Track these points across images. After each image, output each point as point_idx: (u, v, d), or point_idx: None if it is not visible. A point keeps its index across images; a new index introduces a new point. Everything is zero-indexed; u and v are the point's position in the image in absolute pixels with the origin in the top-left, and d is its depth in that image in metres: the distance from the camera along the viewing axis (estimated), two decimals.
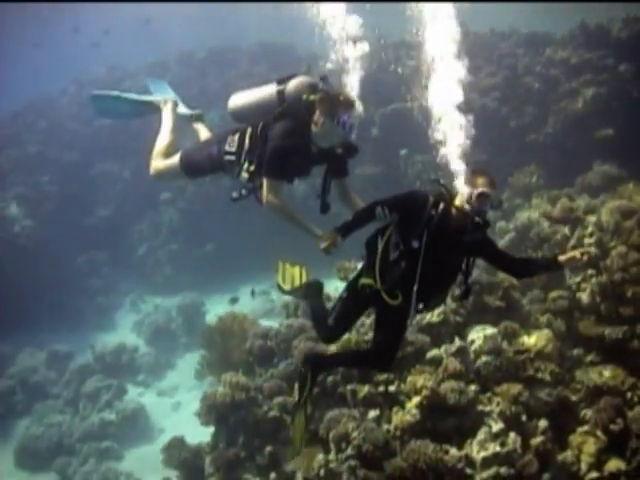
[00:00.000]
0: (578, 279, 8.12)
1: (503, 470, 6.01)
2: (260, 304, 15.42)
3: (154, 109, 5.37)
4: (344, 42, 4.56)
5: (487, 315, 7.59)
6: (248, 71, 20.63)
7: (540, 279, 8.32)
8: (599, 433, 6.27)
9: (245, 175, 4.45)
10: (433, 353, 6.88)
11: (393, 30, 11.72)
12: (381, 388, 6.78)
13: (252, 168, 4.42)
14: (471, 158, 4.14)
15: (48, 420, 12.56)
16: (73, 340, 15.29)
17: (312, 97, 4.31)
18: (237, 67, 21.24)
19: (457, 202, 4.00)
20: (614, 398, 6.42)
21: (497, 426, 6.28)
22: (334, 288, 9.28)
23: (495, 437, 6.22)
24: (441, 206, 4.01)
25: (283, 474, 7.00)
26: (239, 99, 4.63)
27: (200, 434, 8.32)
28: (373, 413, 6.56)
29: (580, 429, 6.45)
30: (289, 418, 7.27)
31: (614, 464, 6.05)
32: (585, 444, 6.28)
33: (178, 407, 12.89)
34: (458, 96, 4.40)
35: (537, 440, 6.27)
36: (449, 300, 7.23)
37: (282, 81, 4.51)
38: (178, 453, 8.01)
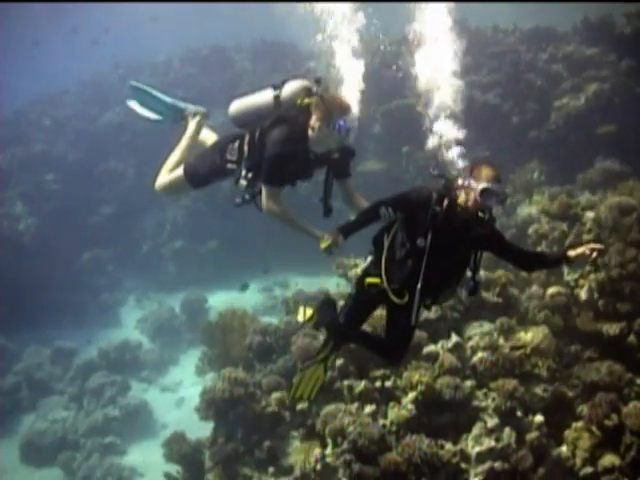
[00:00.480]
0: (576, 275, 8.14)
1: (497, 465, 6.07)
2: (263, 300, 15.55)
3: (181, 118, 5.21)
4: (345, 39, 4.61)
5: (485, 311, 7.64)
6: (250, 69, 20.73)
7: (539, 275, 8.35)
8: (594, 428, 6.30)
9: (243, 182, 4.48)
10: (430, 349, 6.92)
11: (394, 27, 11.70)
12: (378, 383, 6.85)
13: (250, 175, 4.45)
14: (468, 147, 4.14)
15: (53, 416, 12.71)
16: (78, 337, 15.40)
17: (307, 101, 4.32)
18: (240, 65, 21.30)
19: (461, 198, 3.92)
20: (608, 394, 6.44)
21: (492, 421, 6.34)
22: (336, 284, 9.38)
23: (490, 432, 6.27)
24: (445, 202, 3.94)
25: (281, 468, 7.07)
26: (238, 105, 4.63)
27: (203, 429, 8.39)
28: (369, 408, 6.61)
29: (575, 424, 6.48)
30: (287, 413, 7.38)
31: (608, 459, 6.07)
32: (580, 439, 6.31)
33: (181, 403, 12.97)
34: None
35: (532, 435, 6.32)
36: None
37: (278, 86, 4.51)
38: (178, 448, 8.09)
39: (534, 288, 8.36)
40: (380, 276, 4.15)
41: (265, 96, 4.51)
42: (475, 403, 6.54)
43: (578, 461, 6.22)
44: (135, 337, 15.38)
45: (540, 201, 9.93)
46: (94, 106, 21.85)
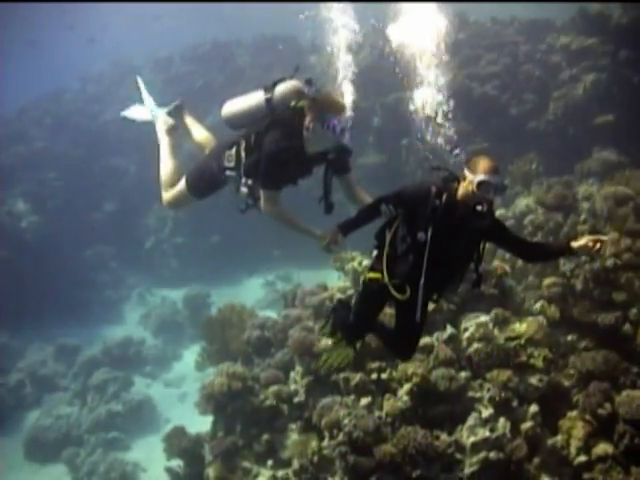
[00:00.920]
0: (572, 266, 8.17)
1: (492, 455, 6.13)
2: (265, 294, 15.63)
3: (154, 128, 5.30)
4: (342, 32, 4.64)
5: (481, 303, 7.66)
6: (251, 64, 20.76)
7: (535, 266, 8.39)
8: (588, 417, 6.34)
9: (244, 190, 4.48)
10: (425, 341, 6.95)
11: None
12: (373, 376, 6.90)
13: (250, 182, 4.45)
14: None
15: (57, 412, 12.81)
16: (81, 333, 15.52)
17: (300, 103, 4.29)
18: (240, 60, 21.34)
19: (460, 191, 3.91)
20: (602, 383, 6.48)
21: (487, 412, 6.40)
22: (337, 278, 9.41)
23: (485, 423, 6.33)
24: (445, 196, 3.92)
25: (280, 461, 7.15)
26: (230, 108, 4.61)
27: (206, 424, 8.41)
28: (365, 400, 6.67)
29: (570, 414, 6.52)
30: (285, 407, 7.45)
31: (602, 448, 6.11)
32: (574, 428, 6.36)
33: (184, 398, 13.06)
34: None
35: (527, 425, 6.37)
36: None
37: (269, 88, 4.46)
38: (178, 442, 8.16)
39: (530, 279, 8.40)
40: (381, 271, 4.15)
41: (256, 98, 4.46)
42: (470, 394, 6.60)
43: (572, 450, 6.27)
44: (138, 333, 15.49)
45: (538, 192, 9.93)
46: (95, 103, 21.95)
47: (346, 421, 6.29)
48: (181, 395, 13.19)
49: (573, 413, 6.51)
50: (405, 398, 6.55)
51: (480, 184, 3.78)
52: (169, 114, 5.30)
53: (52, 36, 30.90)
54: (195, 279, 16.77)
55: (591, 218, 8.40)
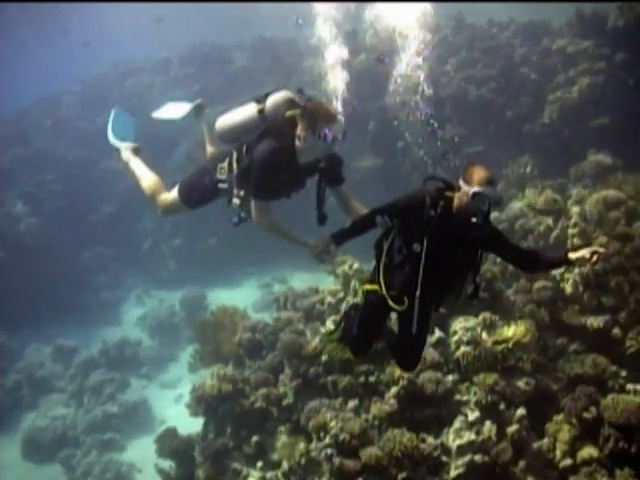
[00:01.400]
0: (562, 269, 8.21)
1: (478, 457, 6.17)
2: (261, 296, 15.67)
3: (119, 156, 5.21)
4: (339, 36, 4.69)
5: (471, 307, 7.69)
6: (249, 66, 20.80)
7: None
8: (573, 421, 6.38)
9: (236, 202, 4.44)
10: None
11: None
12: (361, 379, 6.95)
13: (242, 193, 4.41)
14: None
15: (53, 413, 12.85)
16: (79, 335, 15.54)
17: (291, 113, 4.26)
18: (239, 62, 21.39)
19: (455, 201, 3.86)
20: (588, 387, 6.52)
21: (473, 415, 6.44)
22: (332, 280, 9.45)
23: (471, 426, 6.37)
24: (440, 206, 3.89)
25: (269, 463, 7.21)
26: (223, 122, 4.61)
27: (200, 425, 8.47)
28: (353, 403, 6.72)
29: (556, 417, 6.56)
30: (275, 409, 7.50)
31: (587, 451, 6.16)
32: (560, 432, 6.40)
33: (180, 399, 13.03)
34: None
35: (512, 428, 6.41)
36: None
37: (260, 99, 4.46)
38: (170, 443, 8.22)
39: (521, 282, 8.43)
40: (378, 282, 4.14)
41: (249, 110, 4.47)
42: (457, 397, 6.64)
43: (558, 453, 6.33)
44: (135, 334, 15.49)
45: (529, 196, 9.97)
46: (95, 105, 22.00)
47: (333, 424, 6.34)
48: (177, 396, 13.18)
49: (559, 417, 6.55)
50: (392, 401, 6.60)
51: (475, 196, 3.73)
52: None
53: (45, 38, 30.96)
54: (192, 281, 16.79)
55: (581, 222, 8.42)
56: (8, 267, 15.83)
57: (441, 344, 7.06)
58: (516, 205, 10.75)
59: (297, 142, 4.21)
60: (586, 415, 6.29)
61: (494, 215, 10.45)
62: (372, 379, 6.90)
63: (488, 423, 6.36)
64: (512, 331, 7.07)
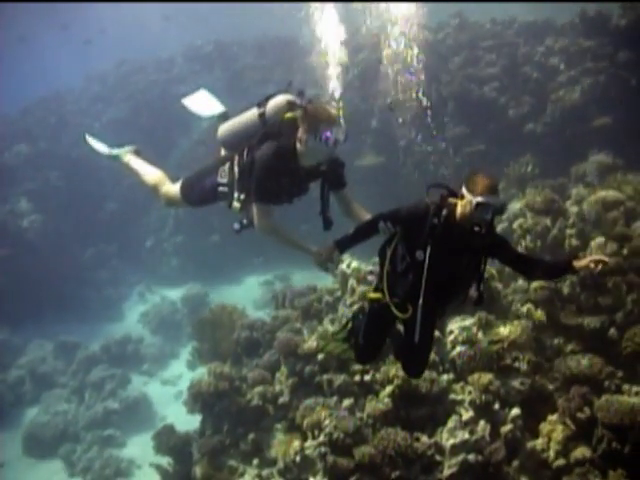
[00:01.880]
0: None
1: (471, 457, 6.18)
2: (263, 294, 15.72)
3: (120, 163, 5.28)
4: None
5: (467, 306, 7.70)
6: (253, 64, 20.84)
7: None
8: (567, 421, 6.39)
9: (236, 205, 4.38)
10: None
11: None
12: (357, 377, 6.97)
13: (242, 197, 4.35)
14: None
15: (54, 408, 12.96)
16: (81, 331, 15.65)
17: (291, 115, 4.22)
18: (242, 61, 21.43)
19: (458, 209, 3.82)
20: (582, 387, 6.52)
21: (467, 414, 6.45)
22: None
23: (465, 425, 6.38)
24: (443, 214, 3.86)
25: (265, 460, 7.24)
26: (225, 129, 4.56)
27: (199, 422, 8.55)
28: (348, 402, 6.74)
29: (551, 417, 6.57)
30: (271, 407, 7.53)
31: (580, 451, 6.15)
32: (554, 432, 6.40)
33: (180, 396, 13.08)
34: None
35: (506, 428, 6.42)
36: None
37: (262, 103, 4.41)
38: (167, 440, 8.27)
39: (519, 282, 8.43)
40: (382, 290, 4.14)
41: (251, 115, 4.43)
42: (452, 396, 6.66)
43: (552, 453, 6.31)
44: (137, 331, 15.63)
45: (527, 195, 9.95)
46: (99, 103, 22.11)
47: (327, 422, 6.37)
48: (177, 393, 13.25)
49: (554, 417, 6.56)
50: (387, 400, 6.62)
51: (478, 205, 3.69)
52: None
53: (46, 35, 30.97)
54: (195, 278, 16.89)
55: (579, 222, 8.42)
56: (11, 263, 15.97)
57: (437, 343, 7.06)
58: (516, 205, 10.75)
59: (298, 145, 4.14)
60: (580, 415, 6.29)
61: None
62: (367, 378, 6.92)
63: (482, 423, 6.37)
64: (508, 331, 7.08)
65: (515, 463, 6.33)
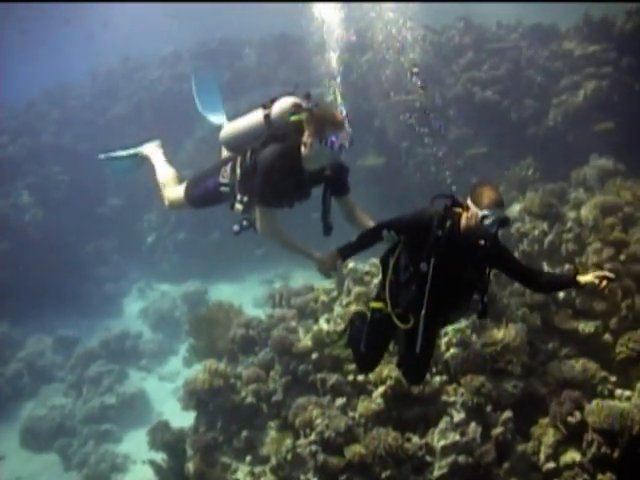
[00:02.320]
0: None
1: (461, 458, 6.21)
2: (263, 292, 15.72)
3: (142, 159, 5.22)
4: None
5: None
6: (258, 62, 20.87)
7: None
8: (558, 425, 6.41)
9: (239, 207, 4.32)
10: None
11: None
12: (350, 377, 7.01)
13: (245, 199, 4.29)
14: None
15: (51, 402, 12.98)
16: (81, 326, 15.70)
17: (297, 117, 4.13)
18: (248, 58, 21.45)
19: (463, 221, 3.82)
20: (574, 391, 6.55)
21: (459, 416, 6.48)
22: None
23: (456, 427, 6.41)
24: (447, 225, 3.85)
25: (258, 458, 7.28)
26: (228, 130, 4.52)
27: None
28: (340, 401, 6.78)
29: (542, 420, 6.59)
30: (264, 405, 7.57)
31: (570, 455, 6.19)
32: (545, 435, 6.44)
33: (178, 392, 13.14)
34: None
35: (497, 430, 6.44)
36: None
37: (267, 105, 4.34)
38: (162, 436, 8.30)
39: (515, 285, 8.45)
40: (384, 300, 4.13)
41: (256, 117, 4.36)
42: (444, 398, 6.69)
43: (542, 456, 6.35)
44: (137, 327, 15.64)
45: (526, 199, 9.97)
46: (103, 98, 22.15)
47: (319, 421, 6.40)
48: (175, 389, 13.23)
49: (545, 420, 6.58)
50: (379, 400, 6.65)
51: (484, 219, 3.69)
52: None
53: (49, 29, 30.98)
54: (196, 275, 16.90)
55: (576, 227, 8.43)
56: (12, 257, 16.00)
57: None
58: (515, 208, 10.76)
59: (303, 149, 4.07)
60: (571, 419, 6.32)
61: None
62: (360, 378, 6.95)
63: (473, 424, 6.40)
64: (502, 334, 7.10)
65: (506, 465, 6.37)
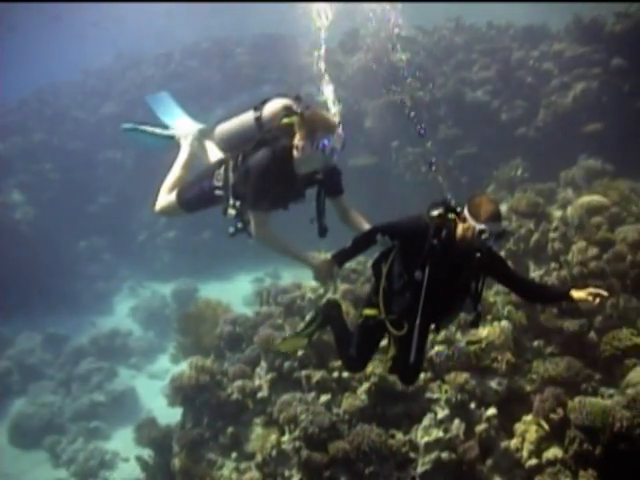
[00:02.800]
0: (541, 272, 8.31)
1: (444, 455, 6.25)
2: (253, 290, 15.74)
3: (175, 145, 5.04)
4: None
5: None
6: (250, 61, 20.89)
7: None
8: (541, 422, 6.45)
9: (232, 212, 4.22)
10: (385, 342, 7.05)
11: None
12: (335, 374, 7.03)
13: (238, 203, 4.20)
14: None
15: (41, 400, 12.98)
16: (72, 324, 15.69)
17: (288, 120, 4.09)
18: (239, 58, 21.47)
19: (459, 232, 3.76)
20: (556, 388, 6.59)
21: (442, 413, 6.52)
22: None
23: (440, 423, 6.45)
24: (443, 234, 3.79)
25: (244, 454, 7.30)
26: (221, 130, 4.49)
27: None
28: (325, 397, 6.80)
29: (525, 417, 6.63)
30: (250, 401, 7.59)
31: (552, 452, 6.22)
32: (528, 432, 6.46)
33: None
34: None
35: (481, 427, 6.48)
36: None
37: (258, 107, 4.30)
38: (148, 432, 8.32)
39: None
40: (378, 306, 4.10)
41: (247, 118, 4.32)
42: (428, 394, 6.72)
43: (525, 453, 6.38)
44: (127, 325, 15.68)
45: (512, 199, 10.02)
46: (95, 96, 22.15)
47: (303, 417, 6.43)
48: (164, 387, 13.28)
49: (528, 417, 6.62)
50: (363, 397, 6.69)
51: (481, 232, 3.64)
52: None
53: (42, 27, 30.86)
54: (186, 273, 16.92)
55: (562, 226, 8.48)
56: (2, 255, 15.96)
57: None
58: (503, 208, 10.82)
59: (295, 152, 3.99)
60: (553, 416, 6.36)
61: None
62: (345, 374, 6.98)
63: (457, 421, 6.44)
64: (487, 332, 7.15)
65: (489, 462, 6.40)
